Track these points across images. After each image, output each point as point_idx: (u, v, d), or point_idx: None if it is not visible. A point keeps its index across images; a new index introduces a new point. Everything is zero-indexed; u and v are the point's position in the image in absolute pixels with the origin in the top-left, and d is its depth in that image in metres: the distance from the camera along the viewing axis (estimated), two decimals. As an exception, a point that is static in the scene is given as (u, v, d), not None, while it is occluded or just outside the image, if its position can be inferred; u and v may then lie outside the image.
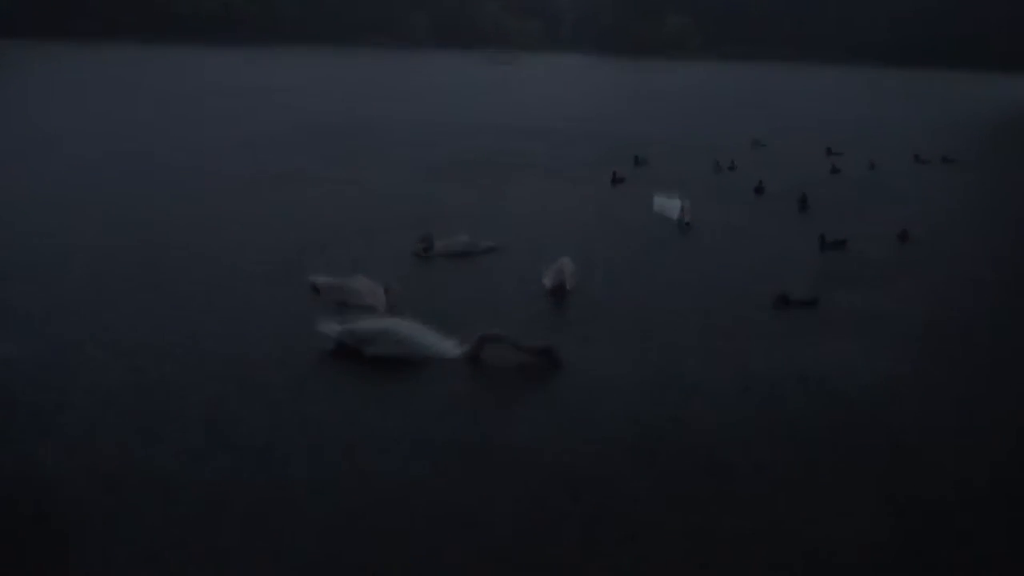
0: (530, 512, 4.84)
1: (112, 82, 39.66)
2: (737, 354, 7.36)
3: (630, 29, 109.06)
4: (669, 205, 13.11)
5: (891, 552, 4.61)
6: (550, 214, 13.24)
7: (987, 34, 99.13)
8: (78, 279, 8.93)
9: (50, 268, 9.32)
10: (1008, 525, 4.91)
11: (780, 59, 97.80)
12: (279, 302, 8.38)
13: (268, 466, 5.25)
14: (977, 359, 7.61)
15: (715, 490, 5.16)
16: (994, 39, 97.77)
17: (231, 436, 5.60)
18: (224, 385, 6.39)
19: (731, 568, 4.40)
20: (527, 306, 8.55)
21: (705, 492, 5.13)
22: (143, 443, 5.47)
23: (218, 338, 7.34)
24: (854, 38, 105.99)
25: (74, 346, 7.05)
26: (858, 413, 6.31)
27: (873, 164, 19.04)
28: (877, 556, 4.57)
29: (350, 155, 19.38)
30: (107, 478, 5.04)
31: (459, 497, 4.97)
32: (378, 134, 23.73)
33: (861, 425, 6.12)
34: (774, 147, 22.79)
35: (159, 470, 5.14)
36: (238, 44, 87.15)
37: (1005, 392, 6.91)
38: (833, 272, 10.18)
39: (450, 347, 7.03)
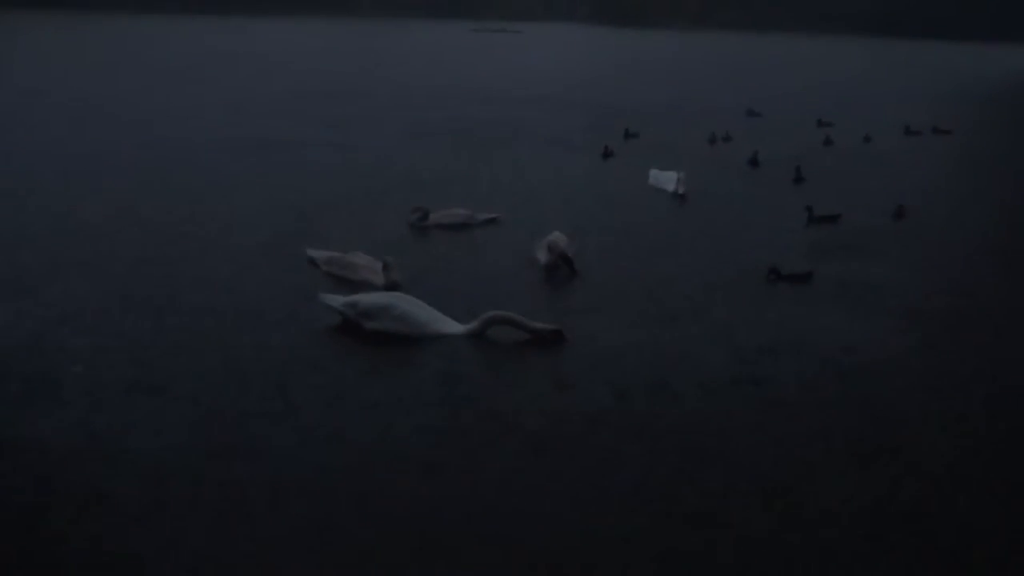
0: (512, 476, 4.91)
1: (97, 51, 39.30)
2: (731, 327, 7.42)
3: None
4: (664, 177, 13.14)
5: (867, 506, 4.72)
6: (544, 185, 13.24)
7: (983, 4, 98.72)
8: (53, 248, 8.94)
9: (34, 238, 9.32)
10: (994, 493, 4.98)
11: (776, 28, 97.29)
12: (276, 274, 8.40)
13: (267, 436, 5.29)
14: (968, 331, 7.66)
15: (703, 456, 5.24)
16: (990, 9, 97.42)
17: (226, 405, 5.64)
18: (223, 355, 6.43)
19: (719, 528, 4.47)
20: (523, 280, 8.59)
21: (692, 458, 5.20)
22: (134, 414, 5.51)
23: (215, 312, 7.36)
24: (851, 7, 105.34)
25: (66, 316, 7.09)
26: (849, 384, 6.36)
27: (868, 137, 19.05)
28: (854, 511, 4.67)
29: (341, 121, 19.35)
30: (107, 447, 5.10)
31: (444, 459, 5.05)
32: (369, 101, 23.66)
33: (852, 395, 6.17)
34: (768, 117, 22.80)
35: (146, 444, 5.20)
36: (227, 12, 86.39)
37: (996, 363, 6.96)
38: (827, 245, 10.23)
39: (452, 325, 7.04)
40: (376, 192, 12.30)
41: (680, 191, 12.56)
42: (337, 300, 7.19)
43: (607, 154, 15.73)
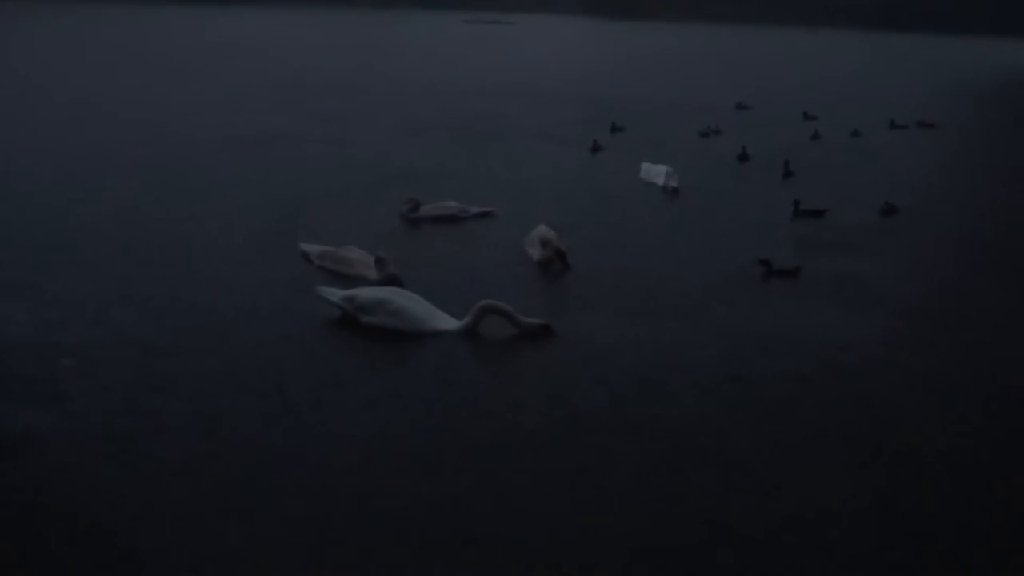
0: (511, 476, 4.94)
1: (93, 42, 39.13)
2: (725, 323, 7.48)
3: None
4: (655, 171, 13.25)
5: (866, 506, 4.77)
6: (536, 179, 13.27)
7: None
8: (51, 245, 8.94)
9: (32, 235, 9.32)
10: (994, 493, 5.02)
11: (766, 22, 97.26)
12: (273, 270, 8.40)
13: (268, 432, 5.32)
14: (963, 328, 7.73)
15: (690, 450, 5.30)
16: (989, 4, 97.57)
17: (225, 404, 5.66)
18: (222, 353, 6.45)
19: (706, 523, 4.53)
20: (516, 274, 8.62)
21: (691, 457, 5.24)
22: (134, 412, 5.53)
23: (214, 310, 7.38)
24: (843, 1, 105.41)
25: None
26: (846, 382, 6.41)
27: (856, 131, 19.19)
28: (853, 511, 4.71)
29: (333, 114, 19.35)
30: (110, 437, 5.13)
31: (443, 458, 5.08)
32: (361, 93, 23.63)
33: (850, 393, 6.21)
34: (758, 110, 22.91)
35: (145, 443, 5.22)
36: (222, 3, 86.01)
37: (994, 362, 7.02)
38: (817, 241, 10.30)
39: (448, 320, 7.07)
40: (369, 186, 12.30)
41: (673, 185, 12.67)
42: (335, 294, 7.21)
43: (596, 148, 15.81)
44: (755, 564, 4.29)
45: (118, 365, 6.21)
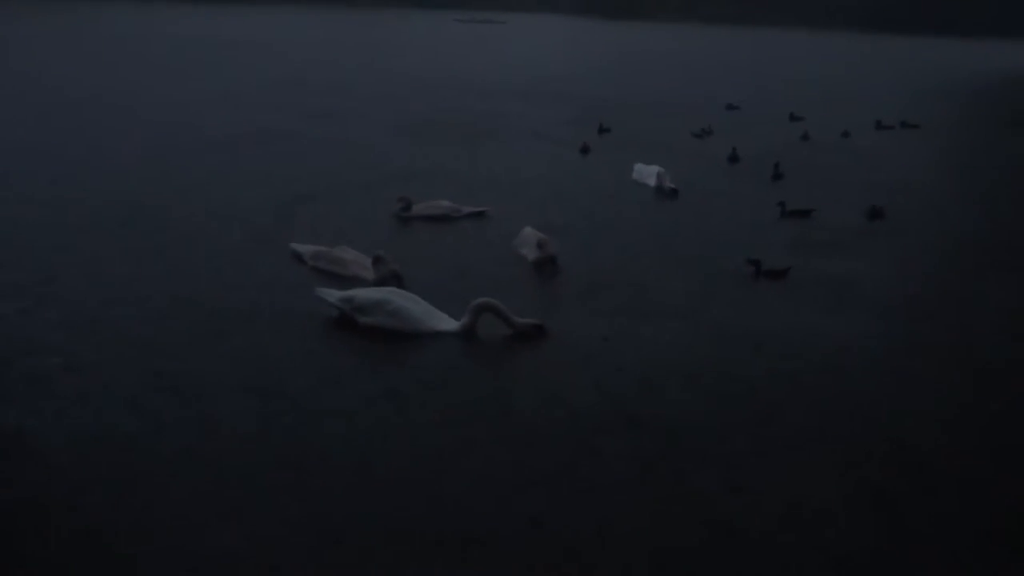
0: (510, 476, 5.00)
1: (92, 40, 39.00)
2: (714, 322, 7.55)
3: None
4: (647, 172, 13.35)
5: (862, 505, 4.83)
6: (529, 178, 13.30)
7: (976, 1, 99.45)
8: (48, 242, 8.97)
9: (29, 232, 9.33)
10: (978, 483, 5.10)
11: (759, 23, 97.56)
12: (272, 270, 8.43)
13: (266, 427, 5.36)
14: (956, 329, 7.80)
15: (687, 450, 5.36)
16: (983, 5, 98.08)
17: (223, 405, 5.70)
18: (221, 354, 6.48)
19: (704, 523, 4.59)
20: (509, 273, 8.66)
21: (678, 453, 5.31)
22: (133, 415, 5.56)
23: (211, 311, 7.40)
24: (835, 2, 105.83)
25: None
26: (841, 382, 6.48)
27: (847, 132, 19.35)
28: (850, 510, 4.78)
29: (326, 111, 19.38)
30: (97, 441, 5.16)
31: (442, 460, 5.13)
32: (354, 91, 23.65)
33: (845, 393, 6.28)
34: (747, 110, 23.04)
35: (144, 444, 5.26)
36: (222, 2, 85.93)
37: (973, 356, 7.12)
38: (806, 240, 10.39)
39: (446, 321, 7.10)
40: (362, 184, 12.32)
41: (671, 186, 12.76)
42: (333, 295, 7.23)
43: (585, 150, 15.81)
44: (753, 564, 4.35)
45: (118, 365, 6.23)
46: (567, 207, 11.58)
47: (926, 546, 4.56)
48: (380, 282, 7.89)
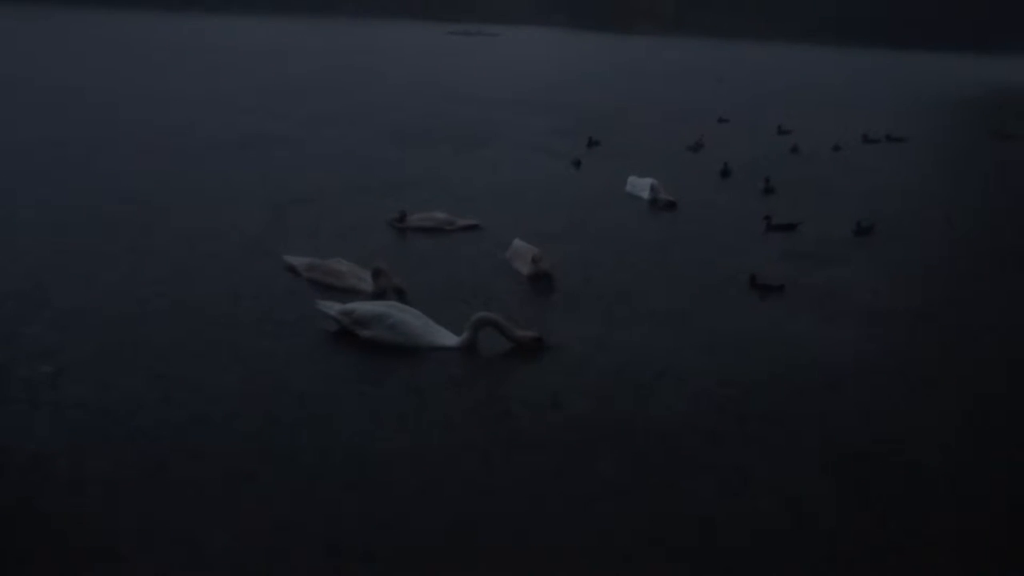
0: (510, 481, 5.08)
1: (88, 47, 39.01)
2: (708, 330, 7.67)
3: (603, 1, 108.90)
4: (640, 185, 13.49)
5: (856, 508, 4.95)
6: (521, 191, 13.39)
7: (969, 15, 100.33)
8: (45, 246, 8.99)
9: (26, 237, 9.35)
10: (971, 485, 5.22)
11: (753, 36, 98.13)
12: (268, 278, 8.47)
13: (266, 439, 5.42)
14: (952, 337, 7.94)
15: (682, 455, 5.46)
16: (977, 20, 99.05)
17: (222, 413, 5.76)
18: (221, 363, 6.54)
19: (698, 525, 4.67)
20: (505, 286, 8.72)
21: (673, 458, 5.42)
22: (132, 416, 5.62)
23: (212, 319, 7.45)
24: (828, 15, 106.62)
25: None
26: (836, 391, 6.58)
27: (838, 146, 19.59)
28: (844, 513, 4.88)
29: (318, 119, 19.50)
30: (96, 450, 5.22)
31: (442, 464, 5.22)
32: (350, 99, 23.80)
33: (840, 401, 6.38)
34: (738, 123, 23.25)
35: (142, 444, 5.32)
36: (211, 10, 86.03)
37: (963, 362, 7.28)
38: (797, 252, 10.52)
39: (446, 336, 7.10)
40: (356, 191, 12.43)
41: (667, 198, 12.88)
42: (333, 307, 7.22)
43: (577, 163, 15.89)
44: (748, 566, 4.44)
45: (117, 367, 6.29)
46: (560, 217, 11.69)
47: (919, 549, 4.66)
48: (379, 295, 7.91)
